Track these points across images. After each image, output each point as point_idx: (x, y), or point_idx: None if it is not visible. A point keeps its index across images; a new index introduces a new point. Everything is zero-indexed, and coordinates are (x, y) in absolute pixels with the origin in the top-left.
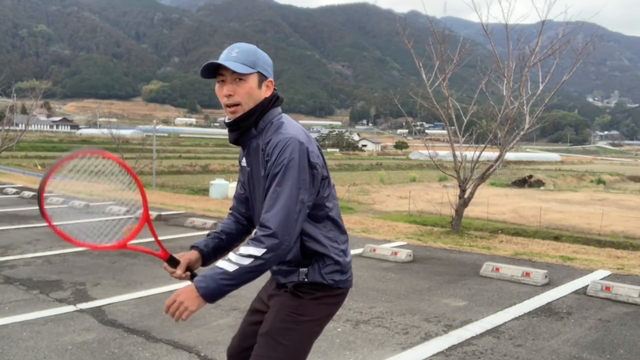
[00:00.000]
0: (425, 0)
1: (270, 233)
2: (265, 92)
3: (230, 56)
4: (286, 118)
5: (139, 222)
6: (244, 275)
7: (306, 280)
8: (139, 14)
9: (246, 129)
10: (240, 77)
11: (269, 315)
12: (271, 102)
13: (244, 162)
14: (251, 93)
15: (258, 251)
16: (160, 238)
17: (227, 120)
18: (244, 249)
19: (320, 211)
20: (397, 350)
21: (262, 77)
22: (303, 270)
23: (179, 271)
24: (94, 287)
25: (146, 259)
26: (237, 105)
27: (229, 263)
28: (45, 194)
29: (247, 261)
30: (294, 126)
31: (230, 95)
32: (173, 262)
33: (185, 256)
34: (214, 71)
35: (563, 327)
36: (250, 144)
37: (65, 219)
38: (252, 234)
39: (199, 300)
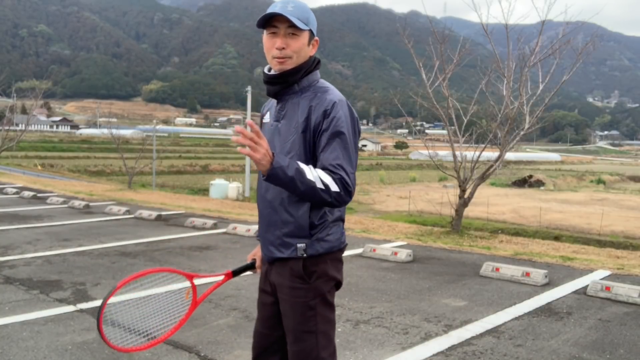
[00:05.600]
0: (425, 0)
1: (350, 191)
2: (311, 51)
3: (287, 9)
4: (329, 84)
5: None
6: (309, 191)
7: (305, 255)
8: (139, 14)
9: (291, 83)
10: (294, 32)
11: (286, 322)
12: (314, 62)
13: (268, 118)
14: (302, 49)
15: (335, 187)
16: (160, 238)
17: (272, 72)
18: (326, 176)
19: None
20: (397, 350)
21: (312, 35)
22: (301, 246)
23: (259, 268)
24: (94, 287)
25: (146, 259)
26: (288, 58)
27: (310, 171)
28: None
29: (320, 186)
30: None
31: (283, 48)
32: (249, 268)
33: (253, 252)
34: (266, 22)
35: (563, 327)
36: (288, 99)
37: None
38: (333, 173)
39: (267, 167)
